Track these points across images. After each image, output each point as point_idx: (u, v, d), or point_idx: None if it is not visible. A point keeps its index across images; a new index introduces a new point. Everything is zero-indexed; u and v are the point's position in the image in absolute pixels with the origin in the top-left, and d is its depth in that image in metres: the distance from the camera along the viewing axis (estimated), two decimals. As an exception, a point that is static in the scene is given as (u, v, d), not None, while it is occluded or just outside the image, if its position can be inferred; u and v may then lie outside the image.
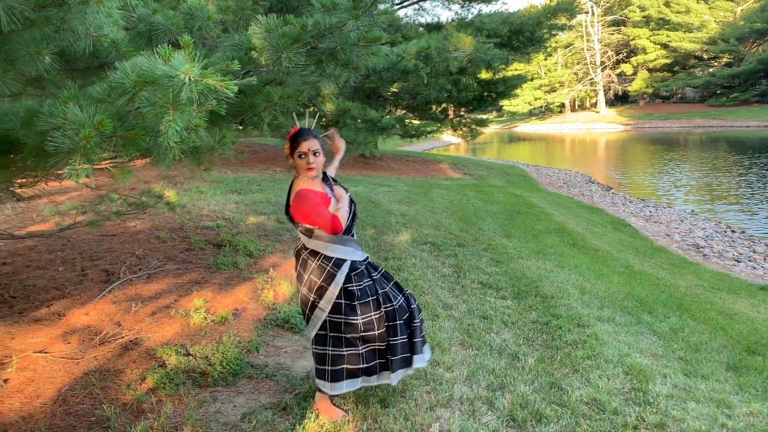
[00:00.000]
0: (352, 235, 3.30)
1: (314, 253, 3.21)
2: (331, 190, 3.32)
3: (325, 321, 3.20)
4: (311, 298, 3.22)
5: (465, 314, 4.94)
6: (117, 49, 3.15)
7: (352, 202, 3.36)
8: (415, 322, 3.35)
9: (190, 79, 1.83)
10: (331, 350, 3.21)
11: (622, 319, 4.93)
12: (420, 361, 3.37)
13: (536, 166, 26.00)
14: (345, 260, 3.20)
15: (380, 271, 3.40)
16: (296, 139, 3.13)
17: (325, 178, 3.36)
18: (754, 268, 9.04)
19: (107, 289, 5.12)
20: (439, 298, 5.31)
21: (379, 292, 3.26)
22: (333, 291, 3.16)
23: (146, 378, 3.65)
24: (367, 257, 3.35)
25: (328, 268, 3.18)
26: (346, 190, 3.37)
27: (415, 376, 3.76)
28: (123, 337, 4.23)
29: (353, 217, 3.32)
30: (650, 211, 14.21)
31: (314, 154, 3.12)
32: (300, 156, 3.13)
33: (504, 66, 14.90)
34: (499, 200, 12.35)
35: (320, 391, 3.29)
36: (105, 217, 5.92)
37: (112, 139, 2.11)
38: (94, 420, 3.20)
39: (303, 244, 3.27)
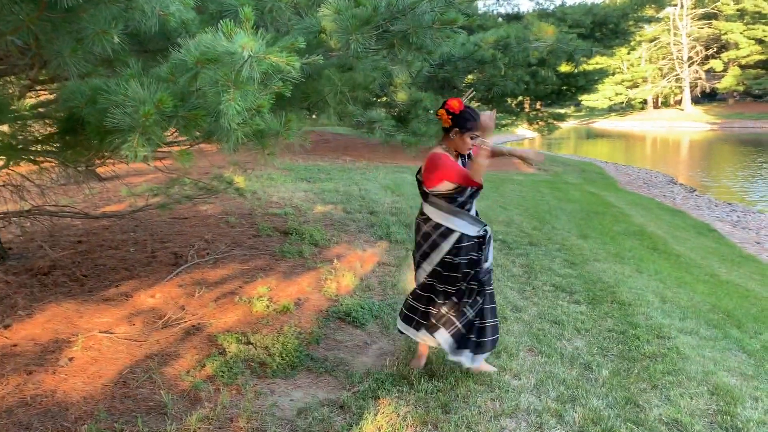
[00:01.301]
0: (468, 210, 3.42)
1: (428, 220, 3.44)
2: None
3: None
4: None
5: (535, 318, 4.69)
6: (187, 30, 3.09)
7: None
8: (478, 321, 3.49)
9: (251, 55, 1.70)
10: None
11: (706, 333, 4.55)
12: (462, 356, 3.47)
13: (615, 164, 24.99)
14: (453, 231, 3.38)
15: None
16: (475, 119, 3.26)
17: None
18: None
19: (175, 272, 5.17)
20: (508, 299, 5.07)
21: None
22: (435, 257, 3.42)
23: (206, 365, 3.61)
24: (485, 232, 3.48)
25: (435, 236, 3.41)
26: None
27: (479, 381, 3.56)
28: (186, 322, 4.23)
29: (472, 193, 3.41)
30: (738, 216, 13.34)
31: (472, 138, 3.31)
32: (471, 137, 3.30)
33: (587, 58, 14.30)
34: (575, 198, 11.88)
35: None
36: (176, 201, 5.99)
37: (173, 119, 2.02)
38: (152, 405, 3.18)
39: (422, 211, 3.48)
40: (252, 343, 3.90)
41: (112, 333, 3.97)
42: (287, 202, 8.13)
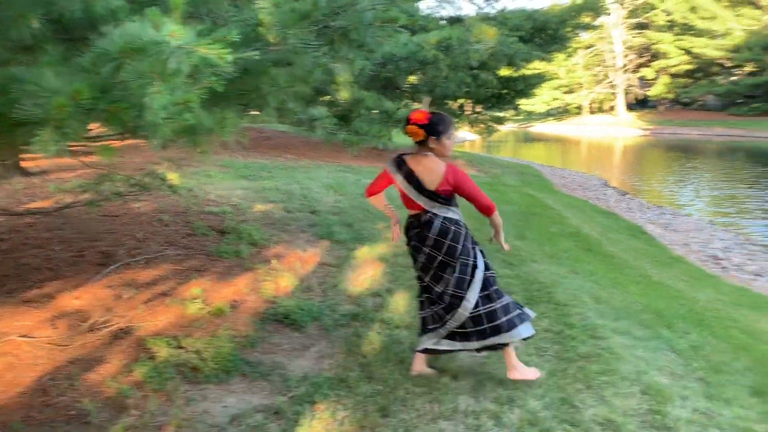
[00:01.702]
0: None
1: (455, 221, 3.56)
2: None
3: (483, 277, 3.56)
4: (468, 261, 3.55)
5: (474, 318, 4.70)
6: (115, 18, 2.93)
7: None
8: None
9: (179, 46, 1.60)
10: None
11: (639, 333, 4.67)
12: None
13: (551, 167, 25.59)
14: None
15: None
16: (444, 120, 3.46)
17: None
18: (776, 284, 8.73)
19: (103, 273, 4.93)
20: (447, 299, 5.06)
21: None
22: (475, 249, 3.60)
23: (133, 370, 3.45)
24: None
25: (465, 231, 3.58)
26: None
27: (417, 383, 3.53)
28: (113, 325, 4.04)
29: None
30: (668, 219, 13.87)
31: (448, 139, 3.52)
32: (449, 137, 3.48)
33: (526, 62, 14.55)
34: (514, 200, 12.07)
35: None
36: (106, 198, 5.73)
37: (93, 112, 1.89)
38: (74, 414, 3.00)
39: (438, 214, 3.54)
40: (183, 347, 3.75)
41: (32, 337, 3.74)
42: (225, 200, 7.92)
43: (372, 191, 3.81)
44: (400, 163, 3.55)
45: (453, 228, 3.51)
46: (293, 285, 5.02)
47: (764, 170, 26.27)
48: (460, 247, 3.50)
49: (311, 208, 7.94)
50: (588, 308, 5.12)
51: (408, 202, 3.59)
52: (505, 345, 3.54)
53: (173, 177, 6.14)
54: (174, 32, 1.62)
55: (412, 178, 3.50)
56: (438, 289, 3.54)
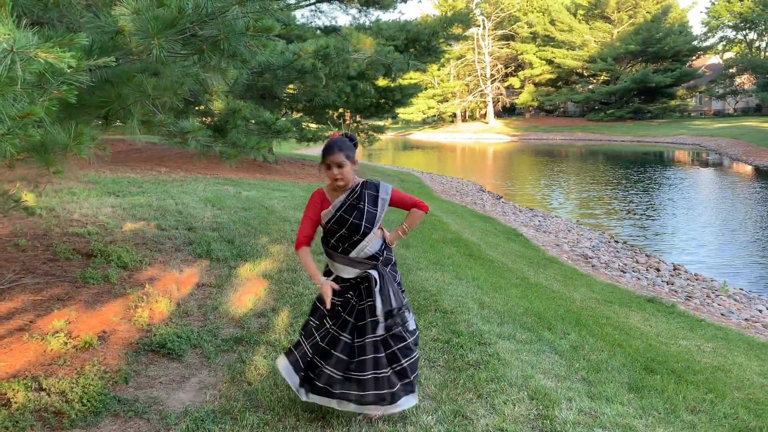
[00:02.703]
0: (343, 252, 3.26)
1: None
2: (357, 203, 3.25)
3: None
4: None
5: (363, 333, 4.61)
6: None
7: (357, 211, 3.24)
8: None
9: (10, 50, 1.36)
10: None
11: (522, 336, 4.79)
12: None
13: (430, 174, 26.29)
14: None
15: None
16: (323, 153, 3.19)
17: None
18: (639, 279, 9.39)
19: (-55, 309, 4.34)
20: (335, 315, 4.94)
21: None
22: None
23: (-17, 421, 3.03)
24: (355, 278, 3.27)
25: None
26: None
27: (307, 408, 3.37)
28: (-41, 369, 3.54)
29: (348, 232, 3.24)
30: (539, 221, 14.60)
31: (338, 167, 3.13)
32: (328, 167, 3.19)
33: (404, 71, 14.78)
34: (396, 209, 12.19)
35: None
36: (-54, 223, 5.07)
37: None
38: None
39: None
40: (45, 389, 3.36)
41: None
42: (91, 220, 7.32)
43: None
44: None
45: None
46: (169, 310, 4.69)
47: (624, 172, 28.52)
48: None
49: (188, 224, 7.52)
50: (473, 314, 5.19)
51: None
52: None
53: (29, 197, 5.56)
54: (1, 34, 1.37)
55: None
56: None
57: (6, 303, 4.56)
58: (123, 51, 2.83)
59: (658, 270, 10.27)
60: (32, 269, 5.37)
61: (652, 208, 18.09)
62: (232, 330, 4.51)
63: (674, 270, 10.46)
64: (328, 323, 3.22)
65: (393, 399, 3.15)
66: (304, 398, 3.22)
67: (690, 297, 8.59)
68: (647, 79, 60.57)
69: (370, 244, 3.22)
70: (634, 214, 16.90)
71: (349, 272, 3.23)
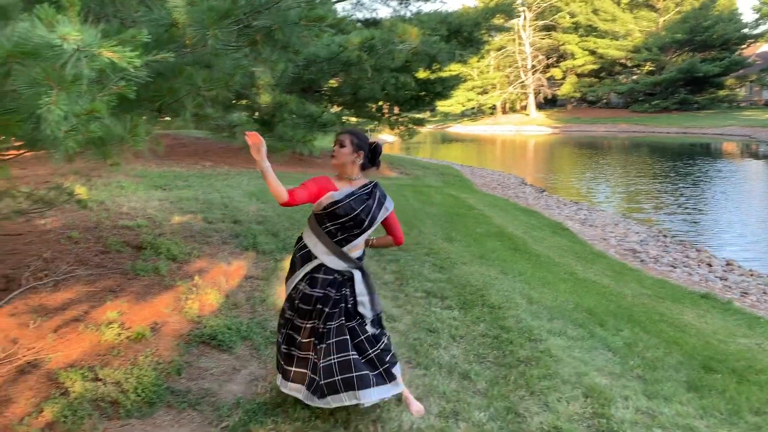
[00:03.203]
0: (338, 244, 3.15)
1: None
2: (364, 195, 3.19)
3: None
4: None
5: (410, 327, 4.57)
6: (6, 17, 2.59)
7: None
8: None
9: (77, 48, 1.35)
10: None
11: (574, 333, 4.68)
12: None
13: (470, 167, 26.04)
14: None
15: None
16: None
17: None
18: (690, 274, 9.10)
19: (5, 299, 4.46)
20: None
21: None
22: None
23: (44, 409, 3.09)
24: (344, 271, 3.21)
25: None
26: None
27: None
28: (20, 358, 3.63)
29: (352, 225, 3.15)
30: (584, 215, 14.31)
31: (340, 145, 3.20)
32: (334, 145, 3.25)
33: (450, 62, 14.61)
34: (438, 201, 12.10)
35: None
36: (4, 217, 5.22)
37: (-22, 126, 1.60)
38: (-29, 467, 2.63)
39: None
40: (101, 379, 3.41)
41: None
42: (140, 213, 7.45)
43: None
44: None
45: None
46: (219, 302, 4.73)
47: (670, 164, 27.78)
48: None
49: (233, 217, 7.60)
50: (522, 310, 5.10)
51: None
52: None
53: (81, 190, 5.68)
54: (68, 34, 1.37)
55: None
56: None
57: (61, 294, 4.66)
58: (177, 44, 2.84)
59: (710, 265, 9.94)
60: (85, 261, 5.48)
61: (702, 201, 17.55)
62: (280, 323, 4.51)
63: (727, 265, 10.10)
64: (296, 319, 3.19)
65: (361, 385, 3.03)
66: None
67: (746, 293, 8.28)
68: (694, 69, 58.75)
69: (359, 246, 3.20)
70: (683, 207, 16.42)
71: (336, 264, 3.15)
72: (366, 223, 3.12)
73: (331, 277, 3.13)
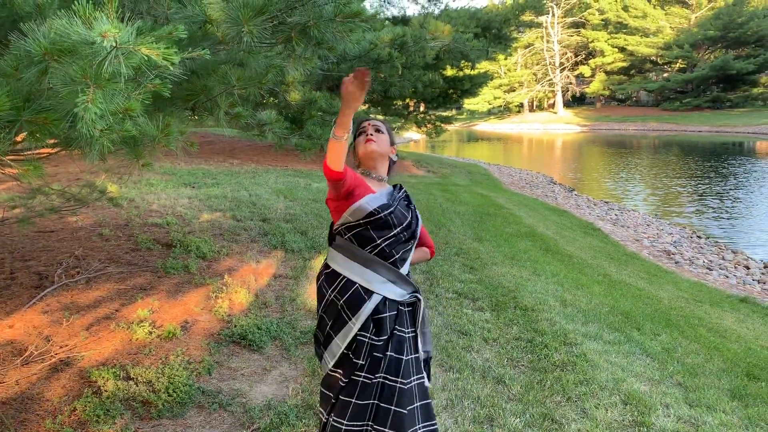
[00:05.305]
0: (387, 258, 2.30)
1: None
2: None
3: None
4: None
5: (442, 329, 4.50)
6: (42, 15, 2.57)
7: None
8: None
9: (115, 46, 1.31)
10: None
11: (610, 337, 4.55)
12: None
13: (497, 166, 25.81)
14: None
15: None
16: (358, 124, 2.44)
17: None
18: (727, 276, 8.86)
19: (38, 296, 4.50)
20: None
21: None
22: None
23: (76, 408, 3.09)
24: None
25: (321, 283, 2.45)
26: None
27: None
28: (52, 356, 3.65)
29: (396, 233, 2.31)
30: (616, 215, 14.05)
31: (376, 130, 2.39)
32: (359, 134, 2.43)
33: (482, 59, 14.48)
34: (466, 200, 11.98)
35: None
36: (37, 214, 5.26)
37: (15, 124, 1.57)
38: (5, 465, 2.63)
39: None
40: (133, 378, 3.40)
41: (-45, 377, 3.32)
42: (169, 211, 7.49)
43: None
44: None
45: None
46: (248, 301, 4.71)
47: (703, 163, 27.20)
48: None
49: (262, 215, 7.59)
50: (556, 312, 4.99)
51: None
52: None
53: (113, 188, 5.71)
54: (107, 31, 1.33)
55: None
56: None
57: (93, 291, 4.68)
58: (210, 41, 2.80)
59: (748, 268, 9.67)
60: (116, 258, 5.51)
61: (737, 202, 17.13)
62: (310, 322, 4.47)
63: (765, 268, 9.82)
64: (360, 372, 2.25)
65: None
66: None
67: (785, 297, 8.04)
68: (727, 66, 57.49)
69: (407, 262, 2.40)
70: (717, 208, 16.04)
71: (395, 293, 2.29)
72: (416, 233, 2.41)
73: (395, 312, 2.30)
